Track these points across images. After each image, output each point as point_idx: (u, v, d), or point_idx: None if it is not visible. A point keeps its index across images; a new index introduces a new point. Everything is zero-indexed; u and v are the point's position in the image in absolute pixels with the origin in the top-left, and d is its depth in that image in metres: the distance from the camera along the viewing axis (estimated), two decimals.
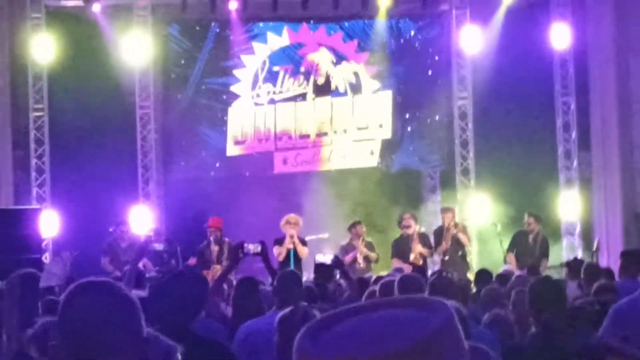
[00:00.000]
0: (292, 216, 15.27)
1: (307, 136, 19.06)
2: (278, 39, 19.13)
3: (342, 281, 10.81)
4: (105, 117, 17.95)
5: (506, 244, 16.23)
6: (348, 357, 1.61)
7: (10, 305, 6.01)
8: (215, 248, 15.30)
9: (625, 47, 18.22)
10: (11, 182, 18.04)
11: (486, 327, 7.22)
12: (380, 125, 19.13)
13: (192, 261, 15.44)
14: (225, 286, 9.69)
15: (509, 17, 18.50)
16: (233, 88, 19.07)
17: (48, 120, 18.27)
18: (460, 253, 16.16)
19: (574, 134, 18.91)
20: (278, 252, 14.89)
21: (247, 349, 6.39)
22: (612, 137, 18.31)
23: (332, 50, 19.16)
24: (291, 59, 19.18)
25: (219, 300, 8.80)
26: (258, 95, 19.06)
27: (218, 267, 14.72)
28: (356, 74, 19.19)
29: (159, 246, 15.40)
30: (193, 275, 5.88)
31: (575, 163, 18.87)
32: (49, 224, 17.12)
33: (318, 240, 16.85)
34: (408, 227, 15.94)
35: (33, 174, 18.21)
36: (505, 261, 15.93)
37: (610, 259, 16.30)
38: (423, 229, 16.46)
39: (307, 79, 19.09)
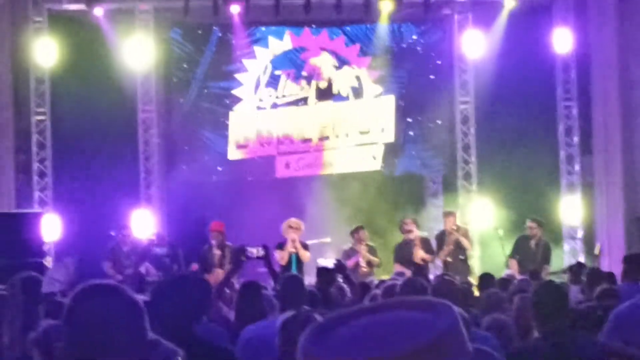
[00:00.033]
0: (293, 220, 15.27)
1: (309, 140, 19.05)
2: (280, 43, 19.13)
3: (344, 285, 10.80)
4: (107, 121, 17.93)
5: (508, 248, 16.22)
6: (353, 359, 1.61)
7: (12, 308, 6.01)
8: (217, 252, 15.29)
9: (627, 51, 18.21)
10: (13, 185, 18.03)
11: (485, 331, 7.21)
12: (383, 130, 19.11)
13: (195, 267, 15.44)
14: (227, 290, 9.67)
15: (511, 21, 18.50)
16: (235, 92, 19.06)
17: (50, 124, 18.27)
18: (462, 257, 16.14)
19: (576, 139, 18.91)
20: (280, 257, 14.89)
21: (250, 353, 6.39)
22: (614, 142, 18.30)
23: (334, 54, 19.16)
24: (293, 63, 19.18)
25: (221, 304, 8.79)
26: (260, 99, 19.06)
27: (220, 271, 14.71)
28: (358, 78, 19.19)
29: (161, 250, 15.41)
30: (195, 278, 5.87)
31: (577, 167, 18.87)
32: (51, 227, 17.11)
33: (320, 244, 16.84)
34: (410, 232, 15.92)
35: (35, 178, 18.21)
36: (507, 266, 15.93)
37: (612, 264, 16.28)
38: (425, 233, 16.46)
39: (309, 83, 19.08)
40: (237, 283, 10.25)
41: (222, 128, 19.11)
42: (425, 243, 16.01)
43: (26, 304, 6.10)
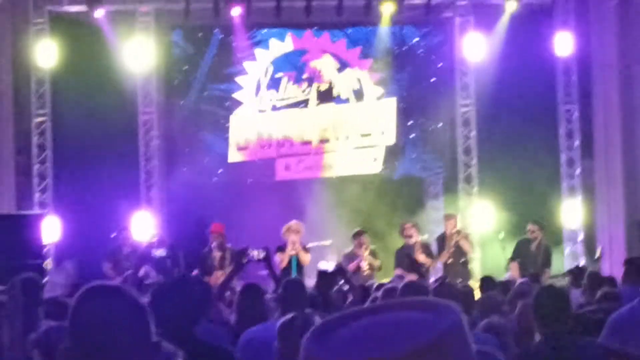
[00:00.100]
0: (294, 223, 15.28)
1: (310, 143, 19.05)
2: (281, 45, 19.14)
3: (345, 288, 10.80)
4: (108, 123, 17.92)
5: (508, 251, 16.22)
6: (353, 359, 1.60)
7: (12, 309, 6.00)
8: (217, 254, 15.30)
9: (628, 54, 18.22)
10: (13, 187, 18.05)
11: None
12: (383, 132, 19.10)
13: (196, 273, 15.44)
14: (227, 292, 9.67)
15: (512, 24, 18.49)
16: (236, 94, 19.07)
17: (50, 126, 18.29)
18: (462, 260, 16.13)
19: (576, 142, 18.90)
20: (280, 259, 14.89)
21: (250, 355, 6.38)
22: (615, 145, 18.30)
23: (336, 56, 19.16)
24: (294, 66, 19.18)
25: (222, 306, 8.79)
26: (261, 102, 19.06)
27: (220, 273, 14.71)
28: (359, 81, 19.19)
29: (161, 252, 15.39)
30: (195, 280, 5.87)
31: (578, 171, 18.86)
32: (51, 229, 17.11)
33: (320, 247, 16.83)
34: (410, 237, 15.92)
35: (35, 179, 18.22)
36: (507, 269, 15.93)
37: (612, 267, 16.28)
38: (425, 236, 16.46)
39: (310, 85, 19.09)
40: (237, 285, 10.24)
41: (222, 130, 19.12)
42: (425, 247, 16.00)
43: (26, 305, 6.09)
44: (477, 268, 17.60)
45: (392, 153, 19.19)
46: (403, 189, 19.21)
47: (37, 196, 18.15)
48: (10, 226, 15.55)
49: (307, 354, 1.65)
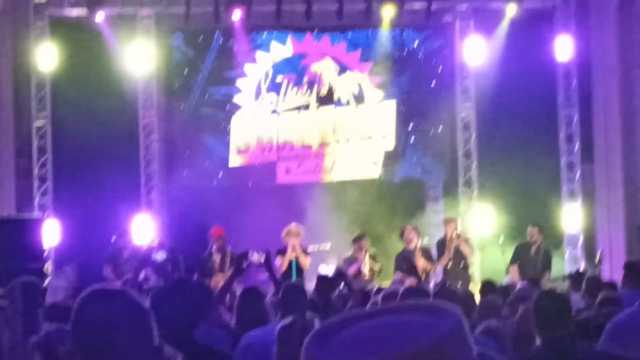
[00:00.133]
0: (294, 226, 15.29)
1: (310, 146, 19.04)
2: (282, 48, 19.13)
3: (345, 292, 10.80)
4: (108, 126, 17.92)
5: (508, 255, 16.22)
6: None
7: (13, 313, 6.00)
8: (217, 257, 15.30)
9: (628, 59, 18.22)
10: (13, 190, 18.04)
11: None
12: (383, 136, 19.10)
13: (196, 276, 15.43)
14: (228, 295, 9.66)
15: (512, 28, 18.50)
16: (236, 98, 19.07)
17: (51, 129, 18.29)
18: (462, 264, 16.11)
19: (577, 146, 18.90)
20: (280, 263, 14.89)
21: (249, 359, 6.38)
22: (615, 149, 18.30)
23: (336, 59, 19.15)
24: (294, 69, 19.17)
25: (222, 309, 8.78)
26: (261, 105, 19.06)
27: (220, 276, 14.70)
28: (359, 84, 19.18)
29: (161, 255, 15.38)
30: (196, 283, 5.86)
31: (578, 175, 18.85)
32: (51, 232, 17.10)
33: (320, 250, 16.82)
34: (410, 241, 15.91)
35: (35, 183, 18.22)
36: (507, 272, 15.93)
37: (612, 271, 16.27)
38: (426, 240, 16.45)
39: (310, 88, 19.08)
40: (237, 289, 10.23)
41: (223, 134, 19.11)
42: (425, 252, 15.98)
43: (26, 309, 6.09)
44: (477, 272, 17.60)
45: (392, 156, 19.18)
46: (403, 192, 19.20)
47: (37, 199, 18.16)
48: (10, 229, 15.53)
49: (309, 357, 1.66)
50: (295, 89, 19.05)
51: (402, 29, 19.26)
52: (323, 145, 19.04)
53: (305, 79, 19.09)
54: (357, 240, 15.89)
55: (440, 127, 19.37)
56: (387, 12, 18.44)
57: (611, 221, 18.33)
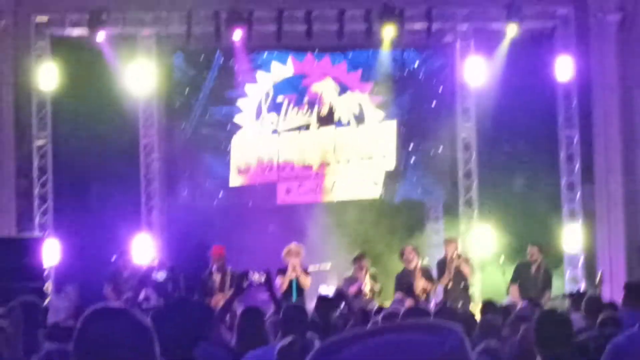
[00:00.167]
0: (294, 246, 15.28)
1: (311, 167, 19.04)
2: (282, 68, 19.15)
3: (346, 312, 10.79)
4: (109, 146, 17.95)
5: (509, 275, 16.21)
6: None
7: (13, 332, 5.99)
8: (218, 277, 15.29)
9: (629, 79, 18.26)
10: (14, 209, 18.04)
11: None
12: (384, 156, 19.10)
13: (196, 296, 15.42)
14: (228, 315, 9.65)
15: (512, 49, 18.52)
16: (237, 118, 19.08)
17: (51, 149, 18.29)
18: (462, 285, 16.09)
19: (577, 166, 18.88)
20: (280, 283, 14.88)
21: None
22: (616, 169, 18.31)
23: (336, 79, 19.17)
24: (295, 89, 19.19)
25: (223, 328, 8.77)
26: (262, 125, 19.07)
27: (221, 295, 14.69)
28: (360, 104, 19.19)
29: (161, 275, 15.36)
30: (197, 302, 5.86)
31: (578, 195, 18.83)
32: (51, 252, 17.08)
33: (321, 270, 16.80)
34: (410, 261, 15.89)
35: (36, 202, 18.21)
36: (508, 292, 15.91)
37: (613, 292, 16.24)
38: (426, 260, 16.43)
39: (311, 109, 19.09)
40: (238, 308, 10.22)
41: (223, 153, 19.11)
42: (425, 272, 15.97)
43: (26, 328, 6.08)
44: (477, 292, 17.57)
45: (393, 176, 19.17)
46: (403, 212, 19.19)
47: (37, 219, 18.14)
48: (10, 249, 15.54)
49: None
50: (295, 109, 19.06)
51: (403, 49, 19.28)
52: (323, 165, 19.04)
53: (306, 99, 19.10)
54: (357, 259, 15.88)
55: (441, 147, 19.36)
56: (388, 33, 18.45)
57: (612, 241, 18.32)
